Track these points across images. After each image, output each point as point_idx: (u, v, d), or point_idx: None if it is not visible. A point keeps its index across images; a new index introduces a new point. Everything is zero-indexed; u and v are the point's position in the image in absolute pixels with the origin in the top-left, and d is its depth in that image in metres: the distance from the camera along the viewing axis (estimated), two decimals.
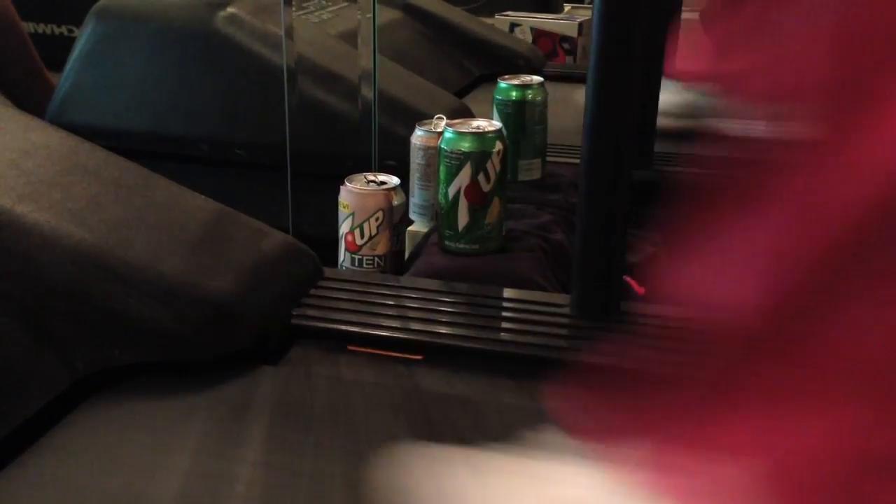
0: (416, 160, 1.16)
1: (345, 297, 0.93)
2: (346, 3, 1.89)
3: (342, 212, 1.07)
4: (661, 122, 1.44)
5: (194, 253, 0.83)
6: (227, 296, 0.81)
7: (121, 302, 0.78)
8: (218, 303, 0.80)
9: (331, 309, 0.90)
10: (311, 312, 0.90)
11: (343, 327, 0.88)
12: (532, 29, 2.22)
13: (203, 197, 0.91)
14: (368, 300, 0.92)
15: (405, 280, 1.01)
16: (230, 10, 1.53)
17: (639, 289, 1.11)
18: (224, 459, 0.69)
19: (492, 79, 1.33)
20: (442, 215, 1.07)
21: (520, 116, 1.24)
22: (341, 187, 1.07)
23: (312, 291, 0.93)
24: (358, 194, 1.07)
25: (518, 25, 2.24)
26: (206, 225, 0.87)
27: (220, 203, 0.92)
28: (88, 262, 0.79)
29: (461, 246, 1.06)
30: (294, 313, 0.89)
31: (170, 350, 0.79)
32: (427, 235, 1.13)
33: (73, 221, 0.81)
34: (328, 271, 0.97)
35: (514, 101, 1.24)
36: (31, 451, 0.70)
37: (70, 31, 2.65)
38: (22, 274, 0.78)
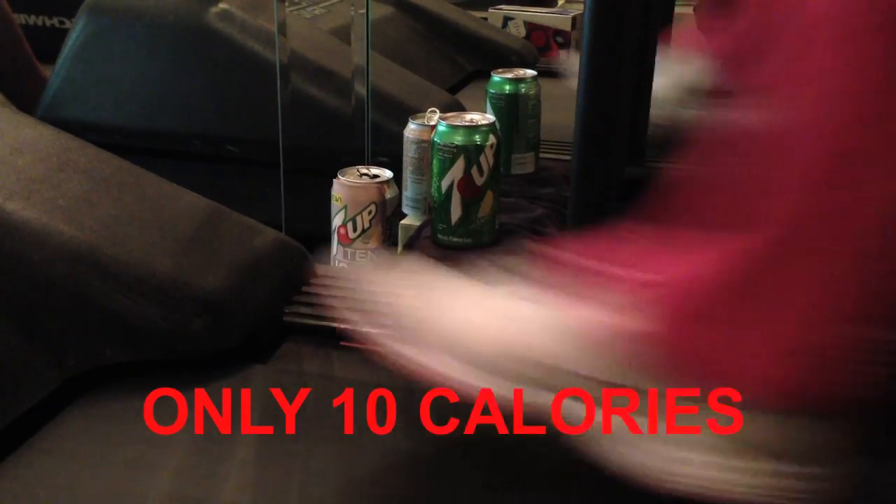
0: (409, 153, 1.16)
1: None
2: None
3: (335, 205, 1.07)
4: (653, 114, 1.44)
5: (186, 250, 0.83)
6: (219, 293, 0.81)
7: (112, 300, 0.78)
8: (209, 300, 0.80)
9: (323, 306, 0.90)
10: (303, 309, 0.90)
11: (335, 324, 0.88)
12: (525, 23, 2.22)
13: (195, 194, 0.91)
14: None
15: None
16: (222, 5, 1.52)
17: None
18: (215, 457, 0.69)
19: (484, 75, 1.33)
20: (435, 209, 1.07)
21: (513, 110, 1.24)
22: (334, 180, 1.07)
23: (304, 288, 0.93)
24: (350, 187, 1.07)
25: (511, 19, 2.23)
26: (198, 222, 0.87)
27: (212, 200, 0.91)
28: (80, 259, 0.79)
29: (454, 239, 1.06)
30: (286, 310, 0.89)
31: (161, 348, 0.79)
32: (420, 229, 1.13)
33: (64, 219, 0.81)
34: (320, 268, 0.97)
35: (507, 95, 1.24)
36: (23, 449, 0.70)
37: (62, 22, 2.64)
38: (13, 272, 0.78)
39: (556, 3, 2.57)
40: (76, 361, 0.78)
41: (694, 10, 2.18)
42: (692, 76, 1.51)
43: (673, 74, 1.51)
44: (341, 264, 1.09)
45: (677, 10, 2.05)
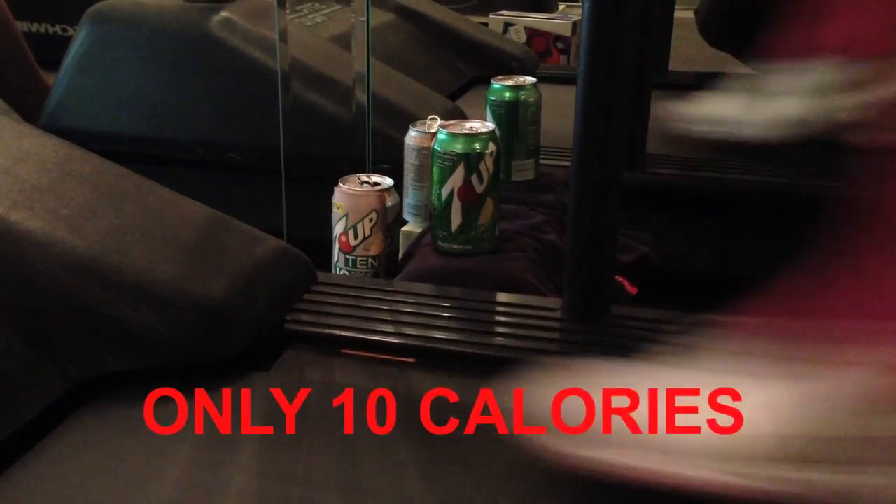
0: (409, 160, 1.16)
1: (338, 301, 0.93)
2: (339, 6, 1.90)
3: (336, 213, 1.08)
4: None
5: (188, 259, 0.84)
6: (221, 302, 0.81)
7: (115, 308, 0.78)
8: (211, 309, 0.81)
9: (324, 313, 0.91)
10: (304, 317, 0.90)
11: (336, 332, 0.88)
12: (526, 28, 2.22)
13: (197, 203, 0.92)
14: (362, 304, 0.93)
15: (398, 284, 1.01)
16: (224, 14, 1.53)
17: (631, 289, 1.12)
18: (217, 466, 0.69)
19: (485, 81, 1.34)
20: (435, 216, 1.07)
21: (513, 117, 1.25)
22: (335, 188, 1.08)
23: (306, 296, 0.93)
24: (351, 195, 1.07)
25: (512, 25, 2.24)
26: (200, 231, 0.88)
27: (214, 208, 0.92)
28: (82, 269, 0.79)
29: (455, 246, 1.06)
30: (288, 318, 0.90)
31: (164, 356, 0.79)
32: (421, 235, 1.13)
33: (67, 228, 0.81)
34: (322, 276, 0.98)
35: (507, 102, 1.24)
36: (26, 458, 0.70)
37: (64, 30, 2.66)
38: (16, 281, 0.79)
39: (557, 9, 2.58)
40: (79, 370, 0.78)
41: (694, 14, 2.18)
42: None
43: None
44: (342, 272, 1.09)
45: (677, 13, 2.06)
